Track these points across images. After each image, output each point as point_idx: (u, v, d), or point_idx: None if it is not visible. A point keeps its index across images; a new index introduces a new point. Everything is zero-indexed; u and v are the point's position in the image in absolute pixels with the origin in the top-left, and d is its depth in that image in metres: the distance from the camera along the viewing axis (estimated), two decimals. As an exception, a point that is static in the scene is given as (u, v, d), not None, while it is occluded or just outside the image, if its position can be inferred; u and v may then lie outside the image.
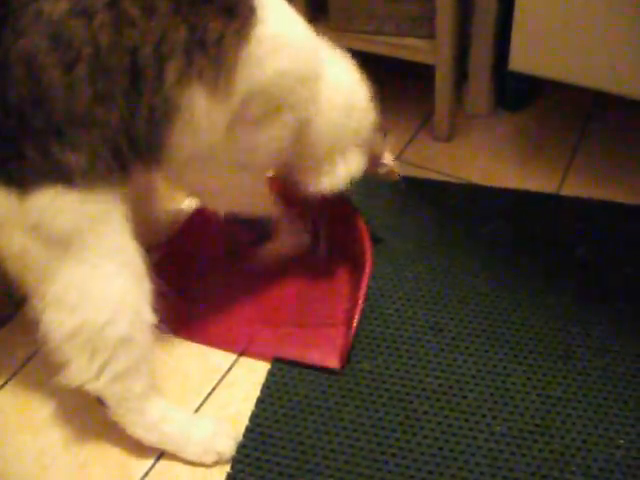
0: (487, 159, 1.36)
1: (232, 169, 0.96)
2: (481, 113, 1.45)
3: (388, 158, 1.10)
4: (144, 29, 0.77)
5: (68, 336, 0.84)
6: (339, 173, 1.04)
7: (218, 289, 1.14)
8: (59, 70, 0.74)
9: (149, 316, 0.87)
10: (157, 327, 0.87)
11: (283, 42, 0.89)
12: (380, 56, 1.36)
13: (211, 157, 0.91)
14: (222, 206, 1.03)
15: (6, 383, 1.03)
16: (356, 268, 1.11)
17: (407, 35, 1.32)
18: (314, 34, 0.96)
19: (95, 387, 0.87)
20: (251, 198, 1.05)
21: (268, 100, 0.90)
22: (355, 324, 1.04)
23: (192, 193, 1.14)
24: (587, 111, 1.46)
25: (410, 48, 1.31)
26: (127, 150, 0.81)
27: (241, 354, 1.06)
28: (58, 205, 0.78)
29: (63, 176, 0.77)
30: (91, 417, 0.97)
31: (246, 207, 1.06)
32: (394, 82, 1.56)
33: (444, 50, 1.28)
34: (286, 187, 1.08)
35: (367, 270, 1.08)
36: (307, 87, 0.94)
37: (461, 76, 1.41)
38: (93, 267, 0.82)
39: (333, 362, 1.02)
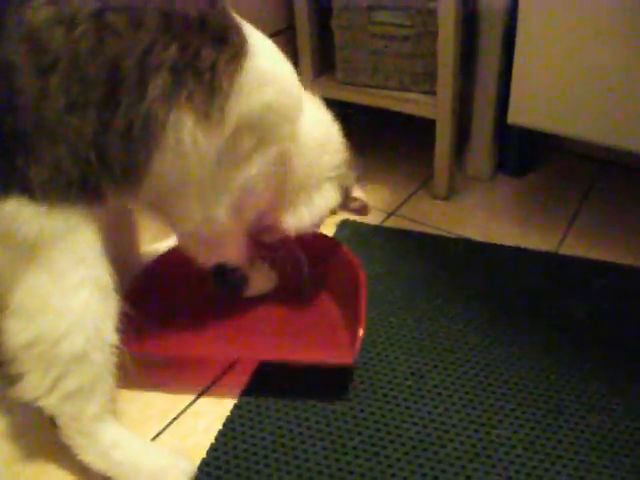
0: (485, 218, 1.33)
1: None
2: (482, 177, 1.43)
3: (358, 192, 1.08)
4: (129, 39, 0.76)
5: (24, 346, 0.80)
6: (316, 206, 1.03)
7: (200, 314, 1.10)
8: (32, 74, 0.73)
9: (110, 335, 0.83)
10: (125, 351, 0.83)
11: (270, 75, 0.89)
12: (388, 116, 1.38)
13: (199, 192, 0.89)
14: (202, 252, 1.00)
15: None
16: (345, 296, 1.08)
17: (410, 90, 1.33)
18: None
19: (47, 404, 0.82)
20: (234, 246, 1.02)
21: (255, 133, 0.88)
22: (363, 325, 0.98)
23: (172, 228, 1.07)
24: (589, 178, 1.44)
25: (412, 102, 1.32)
26: (98, 168, 0.78)
27: (230, 365, 1.01)
28: (22, 216, 0.75)
29: (26, 188, 0.75)
30: (39, 438, 0.91)
31: (226, 256, 1.03)
32: (400, 141, 1.59)
33: (444, 104, 1.27)
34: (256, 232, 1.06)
35: (363, 283, 1.05)
36: (290, 121, 0.93)
37: (463, 137, 1.41)
38: (56, 277, 0.79)
39: (346, 357, 0.98)
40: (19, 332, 0.80)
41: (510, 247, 1.25)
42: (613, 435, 0.90)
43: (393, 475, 0.86)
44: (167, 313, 1.08)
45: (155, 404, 0.96)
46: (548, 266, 1.20)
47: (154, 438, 0.92)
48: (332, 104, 1.03)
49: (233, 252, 1.03)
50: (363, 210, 1.10)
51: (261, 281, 1.13)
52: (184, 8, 0.79)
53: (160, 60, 0.77)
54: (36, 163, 0.74)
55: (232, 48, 0.83)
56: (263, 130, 0.89)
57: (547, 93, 1.13)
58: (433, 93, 1.29)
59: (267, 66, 0.88)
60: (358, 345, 0.97)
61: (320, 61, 1.41)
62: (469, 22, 1.29)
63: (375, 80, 1.36)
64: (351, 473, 0.86)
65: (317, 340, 1.05)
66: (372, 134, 1.60)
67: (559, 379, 0.98)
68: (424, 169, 1.46)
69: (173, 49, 0.77)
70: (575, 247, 1.24)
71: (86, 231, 0.80)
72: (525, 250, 1.24)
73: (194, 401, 0.97)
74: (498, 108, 1.35)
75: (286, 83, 0.92)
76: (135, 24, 0.76)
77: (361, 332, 0.98)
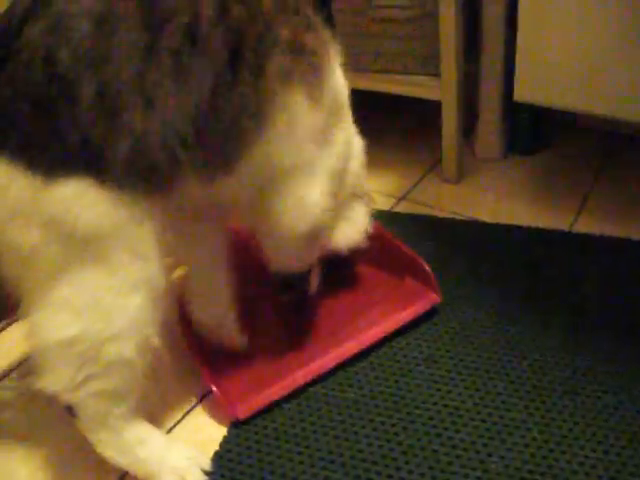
0: (497, 199, 1.31)
1: None
2: (492, 157, 1.41)
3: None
4: (252, 12, 0.72)
5: (64, 342, 0.73)
6: (360, 220, 1.02)
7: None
8: (138, 29, 0.65)
9: (155, 340, 0.78)
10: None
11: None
12: (394, 100, 1.36)
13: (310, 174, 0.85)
14: (300, 255, 0.95)
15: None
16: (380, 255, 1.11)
17: (414, 73, 1.31)
18: None
19: (71, 398, 0.78)
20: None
21: (333, 113, 0.87)
22: (426, 265, 1.05)
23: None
24: (602, 154, 1.41)
25: (416, 85, 1.30)
26: (191, 150, 0.71)
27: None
28: (83, 201, 0.67)
29: (96, 168, 0.67)
30: (55, 434, 0.92)
31: (314, 257, 0.99)
32: (408, 125, 1.57)
33: (449, 86, 1.25)
34: None
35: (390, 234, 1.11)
36: (347, 105, 0.93)
37: (471, 118, 1.39)
38: (112, 274, 0.72)
39: (434, 299, 1.04)
40: (61, 327, 0.73)
41: (523, 227, 1.23)
42: (631, 415, 0.88)
43: (407, 462, 0.84)
44: None
45: (167, 398, 0.96)
46: (562, 245, 1.18)
47: (167, 432, 0.92)
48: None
49: (318, 252, 0.99)
50: None
51: (315, 279, 1.08)
52: None
53: (276, 38, 0.75)
54: (118, 135, 0.66)
55: (321, 36, 0.83)
56: (337, 111, 0.88)
57: (553, 67, 1.10)
58: (438, 75, 1.27)
59: None
60: (434, 280, 1.04)
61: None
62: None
63: (378, 65, 1.34)
64: (364, 461, 0.85)
65: (393, 303, 1.05)
66: (379, 119, 1.58)
67: (574, 360, 0.96)
68: (433, 152, 1.44)
69: (287, 31, 0.76)
70: (589, 225, 1.22)
71: (151, 224, 0.73)
72: (538, 230, 1.22)
73: (206, 395, 0.96)
74: (505, 86, 1.33)
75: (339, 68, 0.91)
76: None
77: (427, 267, 1.05)
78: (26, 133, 0.66)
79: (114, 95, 0.65)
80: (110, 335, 0.74)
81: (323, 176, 0.87)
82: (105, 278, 0.72)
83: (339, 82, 0.89)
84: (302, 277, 1.01)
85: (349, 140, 0.93)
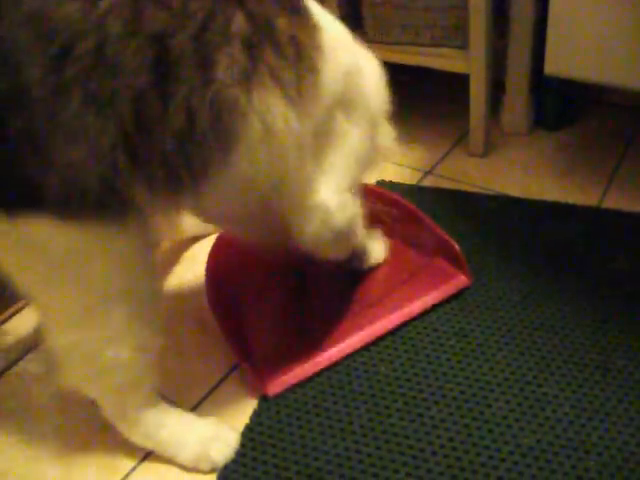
0: (524, 174, 1.29)
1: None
2: (519, 132, 1.39)
3: None
4: (178, 10, 0.62)
5: (66, 346, 0.77)
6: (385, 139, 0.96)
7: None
8: (41, 68, 0.59)
9: (157, 339, 0.80)
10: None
11: (338, 38, 0.79)
12: (422, 73, 1.34)
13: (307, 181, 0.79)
14: (337, 249, 0.93)
15: (3, 371, 1.00)
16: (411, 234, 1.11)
17: (441, 45, 1.29)
18: None
19: (88, 392, 0.82)
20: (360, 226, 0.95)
21: (345, 103, 0.80)
22: (457, 246, 1.04)
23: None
24: (630, 129, 1.39)
25: (444, 57, 1.28)
26: (129, 174, 0.65)
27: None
28: (48, 232, 0.67)
29: (43, 201, 0.65)
30: (84, 410, 0.92)
31: (357, 240, 0.98)
32: (434, 98, 1.55)
33: (477, 58, 1.23)
34: None
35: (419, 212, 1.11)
36: (361, 77, 0.84)
37: (499, 91, 1.37)
38: (94, 289, 0.73)
39: (463, 281, 1.04)
40: (60, 333, 0.77)
41: (550, 202, 1.21)
42: (664, 390, 0.88)
43: (438, 436, 0.85)
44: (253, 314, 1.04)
45: (195, 372, 0.97)
46: (590, 220, 1.16)
47: (196, 406, 0.92)
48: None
49: (360, 232, 0.97)
50: None
51: (379, 249, 1.09)
52: None
53: (226, 33, 0.64)
54: (47, 170, 0.63)
55: (306, 17, 0.73)
56: (350, 97, 0.81)
57: (586, 40, 1.08)
58: (466, 47, 1.25)
59: (332, 29, 0.79)
60: (464, 261, 1.04)
61: (349, 20, 1.37)
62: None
63: (406, 37, 1.31)
64: (396, 435, 0.85)
65: (421, 284, 1.04)
66: (406, 92, 1.55)
67: (605, 335, 0.95)
68: (460, 126, 1.42)
69: (240, 19, 0.65)
70: (618, 200, 1.20)
71: (121, 242, 0.72)
72: (566, 205, 1.20)
73: (235, 367, 0.96)
74: (534, 60, 1.30)
75: (346, 38, 0.83)
76: None
77: (457, 247, 1.04)
78: None
79: (36, 131, 0.61)
80: (105, 341, 0.76)
81: (335, 174, 0.82)
82: (88, 293, 0.73)
83: (341, 68, 0.78)
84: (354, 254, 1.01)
85: (373, 121, 0.86)
